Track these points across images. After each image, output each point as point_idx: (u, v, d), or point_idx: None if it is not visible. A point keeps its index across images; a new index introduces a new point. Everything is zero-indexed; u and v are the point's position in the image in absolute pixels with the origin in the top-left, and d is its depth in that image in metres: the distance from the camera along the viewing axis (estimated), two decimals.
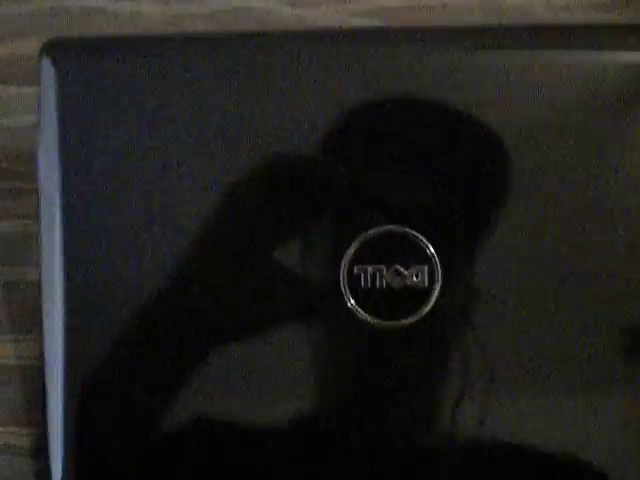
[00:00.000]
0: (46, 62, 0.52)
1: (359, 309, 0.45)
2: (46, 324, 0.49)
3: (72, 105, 0.50)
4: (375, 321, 0.45)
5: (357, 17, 0.73)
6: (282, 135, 0.46)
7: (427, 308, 0.44)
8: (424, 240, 0.45)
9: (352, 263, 0.45)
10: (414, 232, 0.45)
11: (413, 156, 0.46)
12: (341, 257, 0.45)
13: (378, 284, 0.44)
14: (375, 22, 0.73)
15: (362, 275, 0.45)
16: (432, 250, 0.44)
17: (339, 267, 0.45)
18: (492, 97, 0.46)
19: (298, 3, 0.74)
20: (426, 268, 0.44)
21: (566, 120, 0.44)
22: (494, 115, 0.45)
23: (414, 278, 0.44)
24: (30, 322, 0.60)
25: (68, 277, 0.48)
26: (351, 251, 0.45)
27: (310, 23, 0.73)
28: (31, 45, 0.71)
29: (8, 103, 0.68)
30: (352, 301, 0.45)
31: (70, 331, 0.48)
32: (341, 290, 0.45)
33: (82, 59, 0.51)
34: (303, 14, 0.73)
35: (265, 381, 0.45)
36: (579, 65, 0.46)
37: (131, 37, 0.56)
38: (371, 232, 0.45)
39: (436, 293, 0.44)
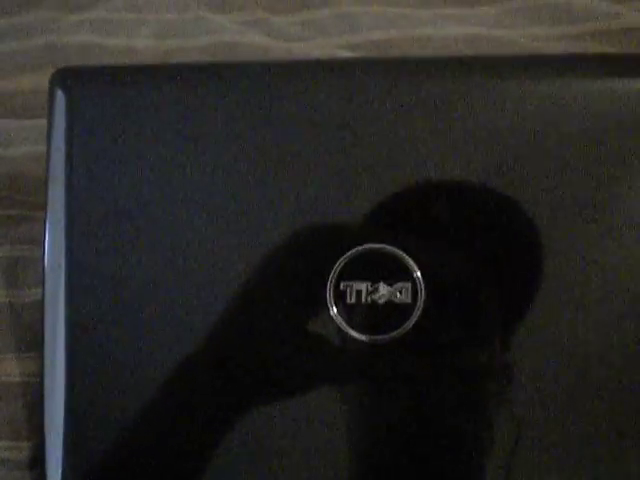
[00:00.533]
0: (56, 91, 0.52)
1: (344, 324, 0.46)
2: (48, 340, 0.49)
3: (82, 133, 0.50)
4: (360, 336, 0.46)
5: (344, 50, 0.75)
6: (292, 167, 0.47)
7: (411, 323, 0.45)
8: (407, 258, 0.46)
9: (338, 279, 0.46)
10: (398, 250, 0.46)
11: (401, 184, 0.47)
12: (328, 273, 0.46)
13: (363, 300, 0.45)
14: (360, 54, 0.75)
15: (348, 291, 0.46)
16: (415, 267, 0.46)
17: (326, 283, 0.46)
18: (495, 127, 0.47)
19: (291, 38, 0.77)
20: (410, 285, 0.45)
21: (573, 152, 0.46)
22: (477, 137, 0.47)
23: (398, 294, 0.45)
24: (30, 339, 0.62)
25: (71, 301, 0.49)
26: (338, 268, 0.46)
27: (297, 55, 0.75)
28: (29, 81, 0.73)
29: (8, 135, 0.70)
30: (338, 316, 0.46)
31: (70, 347, 0.49)
32: (327, 305, 0.46)
33: (92, 88, 0.51)
34: (292, 48, 0.75)
35: (253, 393, 0.46)
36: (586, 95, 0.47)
37: (139, 66, 0.56)
38: (357, 250, 0.46)
39: (420, 309, 0.45)
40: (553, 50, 0.75)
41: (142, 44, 0.76)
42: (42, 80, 0.72)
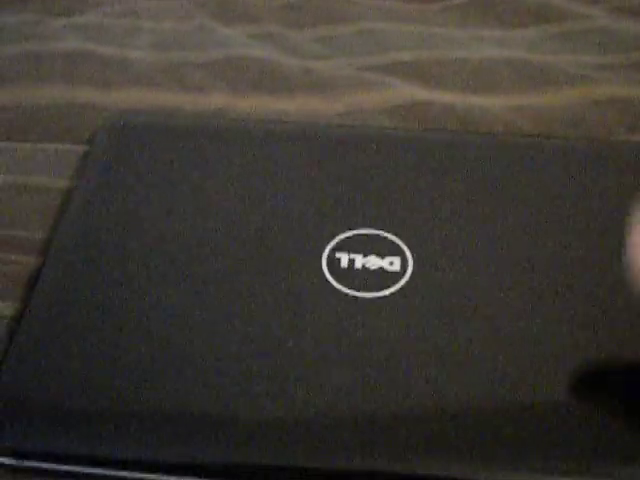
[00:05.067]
0: (103, 138, 0.57)
1: (336, 283, 0.50)
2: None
3: (111, 180, 0.55)
4: (351, 293, 0.50)
5: (368, 72, 0.67)
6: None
7: (399, 285, 0.50)
8: (397, 239, 0.52)
9: (333, 251, 0.51)
10: (389, 234, 0.52)
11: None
12: (324, 247, 0.51)
13: (356, 266, 0.50)
14: (387, 78, 0.66)
15: (342, 258, 0.51)
16: (405, 246, 0.51)
17: (322, 253, 0.51)
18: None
19: (308, 55, 0.68)
20: (399, 258, 0.51)
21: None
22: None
23: (388, 265, 0.51)
24: None
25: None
26: (333, 243, 0.52)
27: (317, 77, 0.66)
28: (12, 95, 0.63)
29: None
30: (331, 278, 0.50)
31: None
32: (322, 270, 0.51)
33: (132, 145, 0.57)
34: (310, 66, 0.66)
35: (250, 348, 0.47)
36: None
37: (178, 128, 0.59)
38: (349, 232, 0.52)
39: (408, 275, 0.50)
40: (600, 79, 0.67)
41: (138, 55, 0.66)
42: (22, 93, 0.63)
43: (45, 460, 0.44)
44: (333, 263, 0.50)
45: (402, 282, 0.50)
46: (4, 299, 0.52)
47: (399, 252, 0.51)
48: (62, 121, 0.62)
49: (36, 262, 0.54)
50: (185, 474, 0.44)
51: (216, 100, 0.64)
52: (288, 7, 0.71)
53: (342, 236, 0.52)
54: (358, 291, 0.49)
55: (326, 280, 0.50)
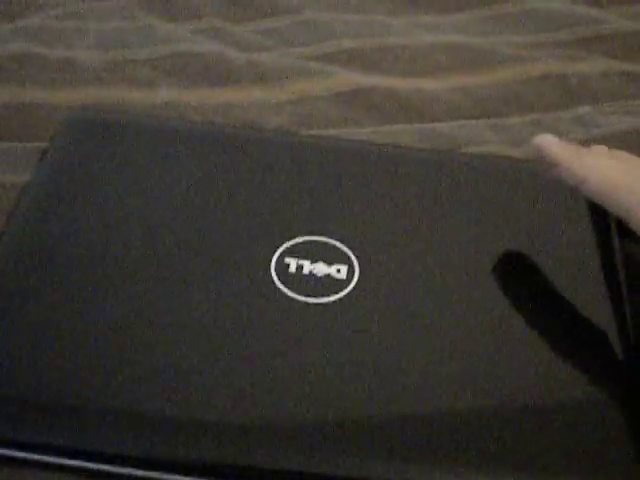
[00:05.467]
0: (63, 133, 0.58)
1: (285, 288, 0.51)
2: None
3: (73, 172, 0.56)
4: (299, 298, 0.51)
5: (311, 61, 0.69)
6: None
7: (346, 292, 0.51)
8: (346, 248, 0.53)
9: (282, 256, 0.52)
10: (337, 242, 0.54)
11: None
12: (274, 252, 0.53)
13: (304, 272, 0.52)
14: (330, 66, 0.68)
15: (291, 263, 0.52)
16: (352, 255, 0.53)
17: (271, 258, 0.52)
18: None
19: (252, 47, 0.69)
20: (347, 266, 0.52)
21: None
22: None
23: (335, 272, 0.52)
24: None
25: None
26: (283, 247, 0.53)
27: (262, 68, 0.68)
28: None
29: None
30: (279, 282, 0.51)
31: None
32: (271, 274, 0.52)
33: (95, 138, 0.58)
34: (254, 58, 0.68)
35: (197, 349, 0.48)
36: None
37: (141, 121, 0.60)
38: (299, 239, 0.53)
39: (354, 282, 0.52)
40: (533, 58, 0.69)
41: (85, 55, 0.67)
42: None
43: (21, 449, 0.45)
44: (282, 268, 0.52)
45: (348, 289, 0.51)
46: None
47: (346, 260, 0.52)
48: (14, 121, 0.63)
49: None
50: (162, 469, 0.45)
51: (163, 95, 0.65)
52: (230, 1, 0.73)
53: (292, 242, 0.53)
54: (306, 297, 0.51)
55: (274, 285, 0.51)
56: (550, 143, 0.50)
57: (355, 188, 0.56)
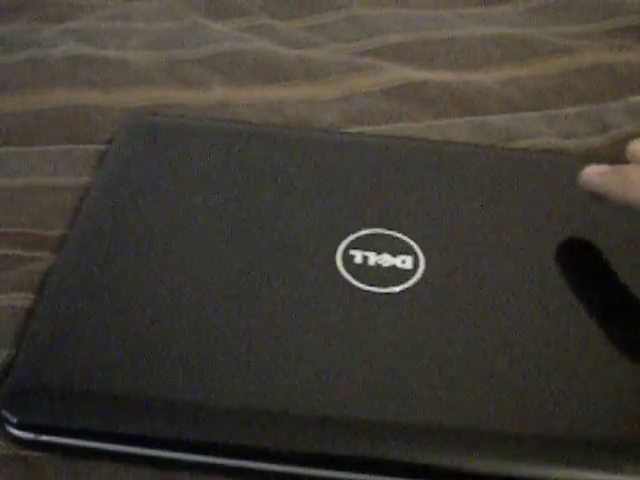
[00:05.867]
0: (123, 136, 0.59)
1: (350, 277, 0.51)
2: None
3: (132, 174, 0.57)
4: (364, 287, 0.51)
5: (361, 56, 0.69)
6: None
7: (412, 282, 0.51)
8: (409, 239, 0.54)
9: (348, 248, 0.53)
10: (401, 234, 0.54)
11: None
12: (339, 245, 0.53)
13: (370, 263, 0.52)
14: (379, 61, 0.68)
15: (356, 255, 0.52)
16: (416, 246, 0.53)
17: (336, 250, 0.53)
18: None
19: (300, 44, 0.69)
20: (412, 257, 0.53)
21: None
22: None
23: (400, 263, 0.52)
24: None
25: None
26: (347, 240, 0.53)
27: (311, 65, 0.68)
28: (17, 102, 0.64)
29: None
30: (345, 272, 0.52)
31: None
32: (337, 266, 0.52)
33: (150, 140, 0.59)
34: (302, 55, 0.68)
35: (263, 337, 0.49)
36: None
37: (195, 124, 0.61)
38: (364, 231, 0.54)
39: (420, 271, 0.52)
40: (583, 48, 0.69)
41: (135, 55, 0.67)
42: (26, 99, 0.64)
43: (57, 434, 0.46)
44: (347, 259, 0.52)
45: (414, 279, 0.51)
46: (27, 293, 0.53)
47: (411, 252, 0.53)
48: (67, 124, 0.63)
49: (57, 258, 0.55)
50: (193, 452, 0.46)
51: (215, 94, 0.66)
52: None
53: (357, 234, 0.53)
54: (371, 286, 0.51)
55: (340, 275, 0.51)
56: (590, 176, 0.51)
57: (414, 184, 0.57)
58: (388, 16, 0.71)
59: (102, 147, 0.61)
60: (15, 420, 0.46)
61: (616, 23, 0.72)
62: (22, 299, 0.52)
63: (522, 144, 0.63)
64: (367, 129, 0.63)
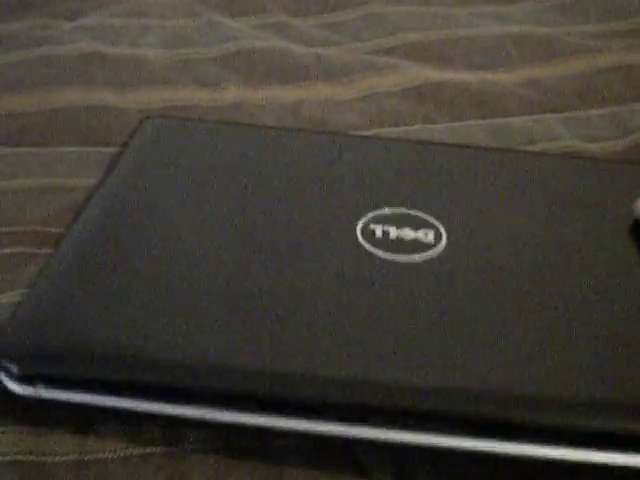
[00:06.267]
0: (137, 139, 0.59)
1: (371, 247, 0.52)
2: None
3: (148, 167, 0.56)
4: (386, 256, 0.51)
5: (378, 55, 0.68)
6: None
7: (434, 252, 0.51)
8: (431, 217, 0.54)
9: (367, 224, 0.53)
10: (421, 212, 0.54)
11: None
12: (357, 221, 0.53)
13: (390, 236, 0.52)
14: (397, 60, 0.67)
15: (377, 229, 0.53)
16: (438, 223, 0.54)
17: (356, 226, 0.53)
18: None
19: (317, 42, 0.68)
20: (433, 231, 0.53)
21: None
22: None
23: (423, 236, 0.53)
24: None
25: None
26: (366, 218, 0.53)
27: (329, 64, 0.67)
28: (29, 100, 0.63)
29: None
30: (367, 243, 0.52)
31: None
32: (358, 238, 0.52)
33: (166, 137, 0.59)
34: (320, 54, 0.67)
35: (290, 312, 0.49)
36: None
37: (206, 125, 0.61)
38: (387, 209, 0.54)
39: (443, 243, 0.52)
40: (603, 48, 0.68)
41: (150, 53, 0.66)
42: (39, 97, 0.63)
43: (55, 387, 0.46)
44: (368, 234, 0.52)
45: (436, 250, 0.52)
46: None
47: (433, 227, 0.53)
48: (81, 125, 0.62)
49: None
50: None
51: (230, 94, 0.64)
52: None
53: (376, 212, 0.54)
54: (392, 254, 0.51)
55: (361, 246, 0.52)
56: None
57: (436, 176, 0.58)
58: (406, 14, 0.70)
59: (116, 150, 0.60)
60: (16, 370, 0.45)
61: (635, 23, 0.71)
62: None
63: (543, 147, 0.62)
64: (385, 130, 0.62)
